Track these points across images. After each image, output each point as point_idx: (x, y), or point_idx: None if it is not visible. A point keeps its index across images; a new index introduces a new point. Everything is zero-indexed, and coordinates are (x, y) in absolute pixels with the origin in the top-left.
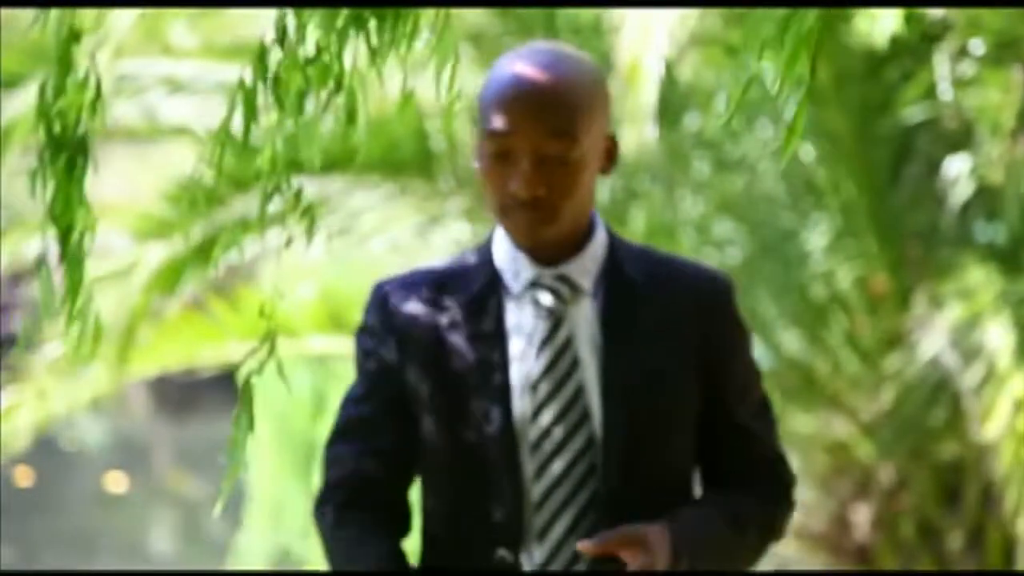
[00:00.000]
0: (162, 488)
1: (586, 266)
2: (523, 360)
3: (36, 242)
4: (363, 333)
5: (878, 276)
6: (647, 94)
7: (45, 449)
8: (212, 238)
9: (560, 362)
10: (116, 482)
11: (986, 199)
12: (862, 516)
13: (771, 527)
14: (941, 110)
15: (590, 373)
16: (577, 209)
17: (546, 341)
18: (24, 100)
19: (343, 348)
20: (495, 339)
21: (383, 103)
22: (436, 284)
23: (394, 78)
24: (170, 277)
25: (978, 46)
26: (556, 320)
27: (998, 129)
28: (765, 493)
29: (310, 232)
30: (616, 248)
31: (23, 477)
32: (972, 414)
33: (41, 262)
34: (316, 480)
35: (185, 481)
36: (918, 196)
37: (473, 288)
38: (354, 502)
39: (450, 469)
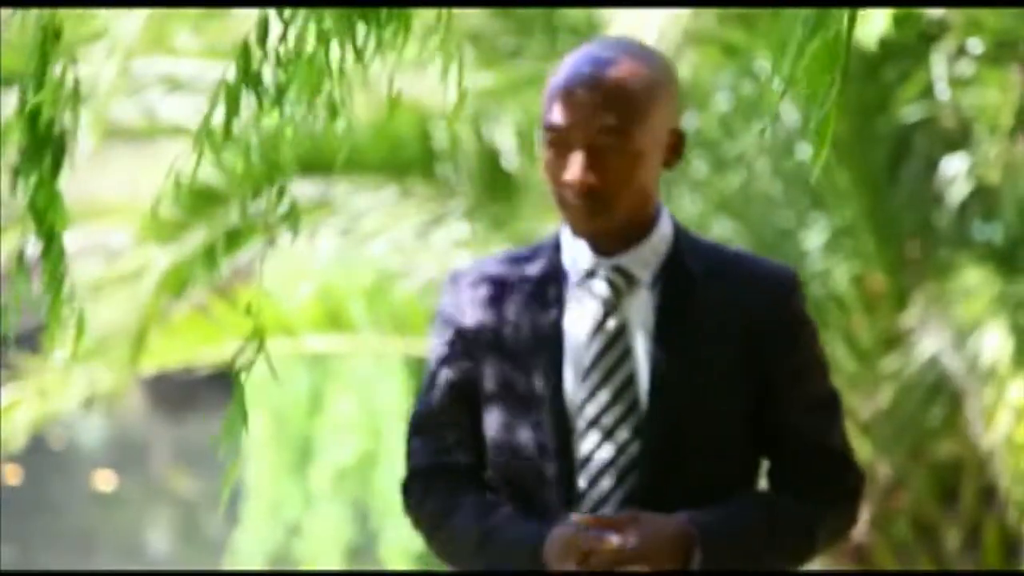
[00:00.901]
0: (159, 487)
1: (645, 258)
2: (576, 348)
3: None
4: (435, 320)
5: (875, 275)
6: None
7: (42, 448)
8: (215, 240)
9: (611, 352)
10: (105, 481)
11: (984, 199)
12: (859, 515)
13: (814, 527)
14: (939, 110)
15: (642, 364)
16: (634, 200)
17: (597, 330)
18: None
19: (341, 347)
20: (552, 327)
21: (385, 104)
22: (505, 272)
23: (396, 79)
24: (177, 279)
25: (976, 46)
26: (608, 310)
27: (996, 129)
28: (813, 492)
29: (294, 232)
30: (680, 241)
31: (12, 475)
32: (970, 414)
33: (20, 259)
34: (313, 479)
35: (182, 480)
36: (916, 196)
37: (537, 276)
38: (437, 481)
39: (507, 452)
